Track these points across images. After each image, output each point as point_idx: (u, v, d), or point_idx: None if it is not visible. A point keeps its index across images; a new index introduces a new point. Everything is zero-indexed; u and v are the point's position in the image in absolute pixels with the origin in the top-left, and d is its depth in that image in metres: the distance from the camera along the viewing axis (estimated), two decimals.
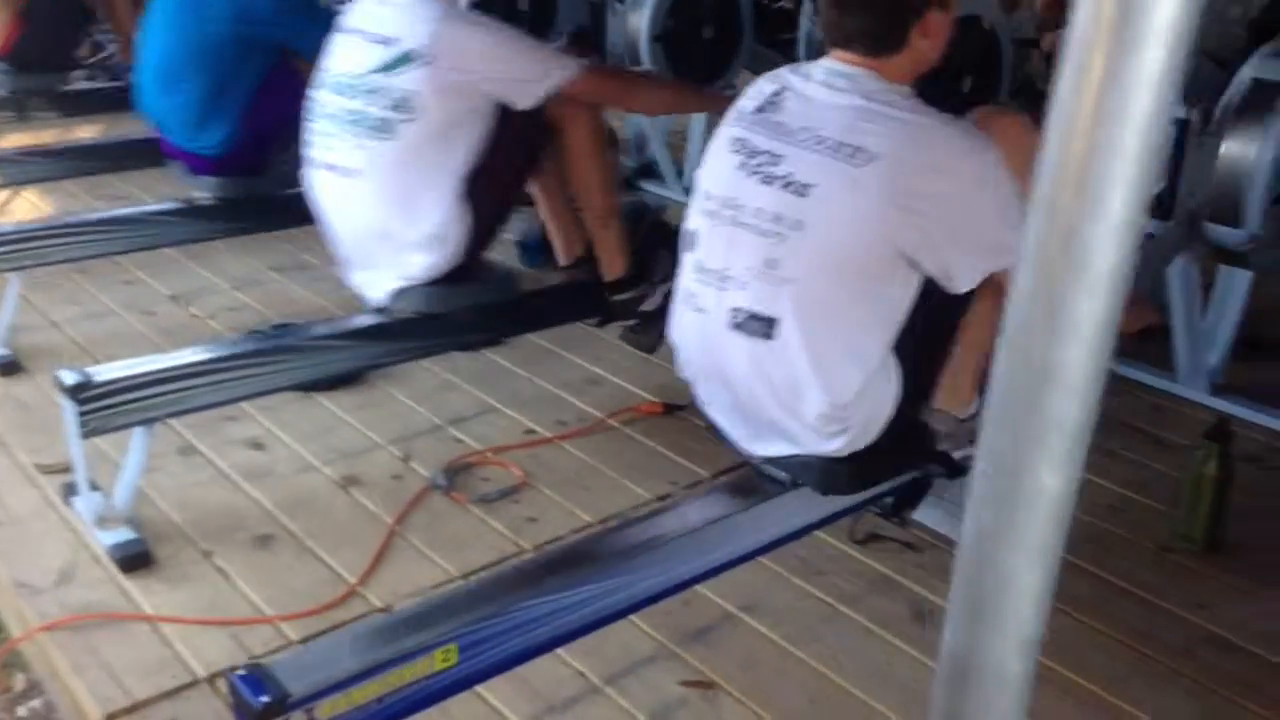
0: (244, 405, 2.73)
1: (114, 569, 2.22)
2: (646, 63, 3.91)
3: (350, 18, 2.53)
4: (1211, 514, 2.35)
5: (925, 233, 1.70)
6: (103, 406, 2.22)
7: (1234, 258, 2.69)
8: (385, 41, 2.41)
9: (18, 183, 4.31)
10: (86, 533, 2.32)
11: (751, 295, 1.77)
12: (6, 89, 5.13)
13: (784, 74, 1.86)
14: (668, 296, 2.82)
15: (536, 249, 3.70)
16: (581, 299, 2.83)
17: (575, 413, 2.89)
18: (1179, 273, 2.79)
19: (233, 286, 3.61)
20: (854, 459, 1.85)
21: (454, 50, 2.37)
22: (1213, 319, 2.95)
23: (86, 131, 5.03)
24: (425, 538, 2.35)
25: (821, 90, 1.78)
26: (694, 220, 1.90)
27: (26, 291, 3.20)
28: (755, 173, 1.78)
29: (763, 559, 2.12)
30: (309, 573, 2.24)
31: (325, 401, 2.88)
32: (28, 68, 5.01)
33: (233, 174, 3.25)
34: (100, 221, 3.34)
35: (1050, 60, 4.21)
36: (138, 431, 2.29)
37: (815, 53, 4.48)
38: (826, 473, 1.88)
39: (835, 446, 1.83)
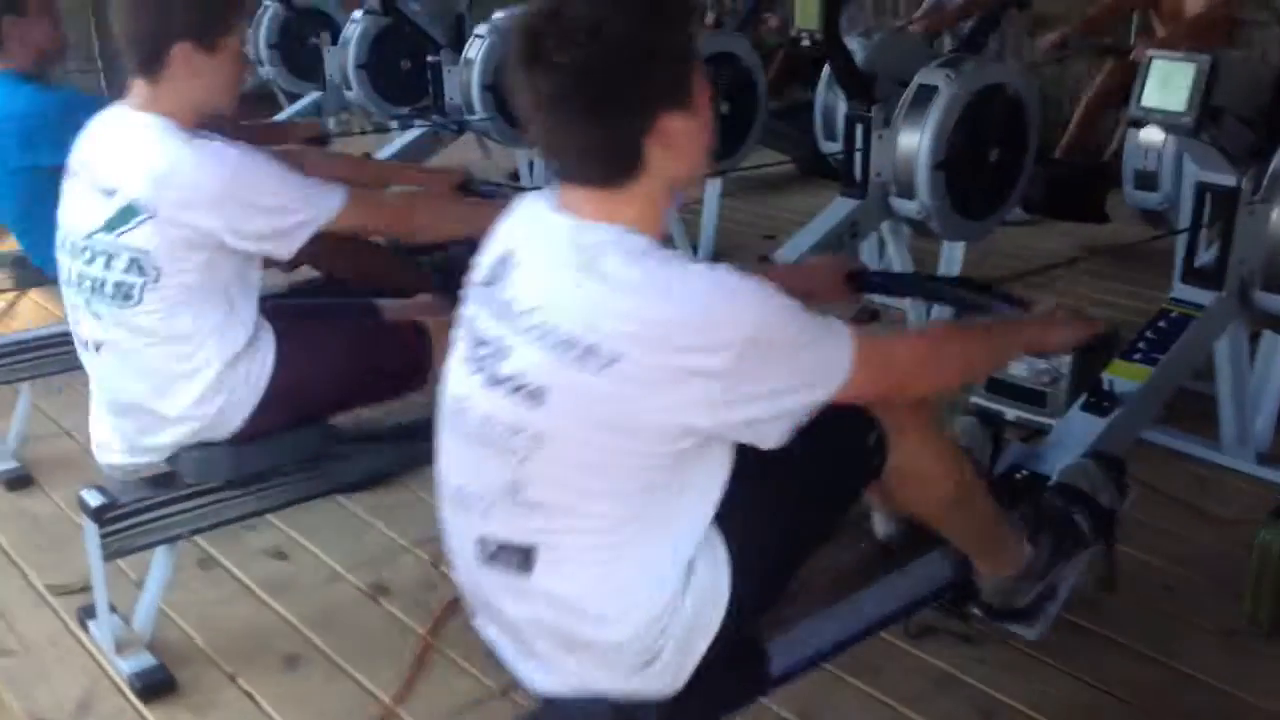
0: None
1: (134, 698, 2.12)
2: None
3: (78, 152, 2.12)
4: (1277, 596, 2.26)
5: (706, 419, 1.34)
6: (127, 527, 2.13)
7: None
8: (107, 191, 2.02)
9: (23, 286, 4.25)
10: (105, 659, 2.21)
11: (499, 523, 1.42)
12: None
13: (517, 224, 1.48)
14: None
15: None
16: None
17: None
18: (1228, 342, 2.73)
19: None
20: (675, 703, 1.46)
21: (183, 198, 1.96)
22: (1258, 386, 2.88)
23: None
24: (462, 649, 2.24)
25: (547, 252, 1.39)
26: (439, 424, 1.53)
27: (38, 399, 3.13)
28: (479, 370, 1.41)
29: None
30: (341, 694, 2.14)
31: (349, 504, 2.78)
32: None
33: None
34: None
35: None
36: (160, 550, 2.20)
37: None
38: None
39: (645, 685, 1.45)
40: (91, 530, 2.10)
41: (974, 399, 3.14)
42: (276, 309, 2.19)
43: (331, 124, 5.95)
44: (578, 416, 1.33)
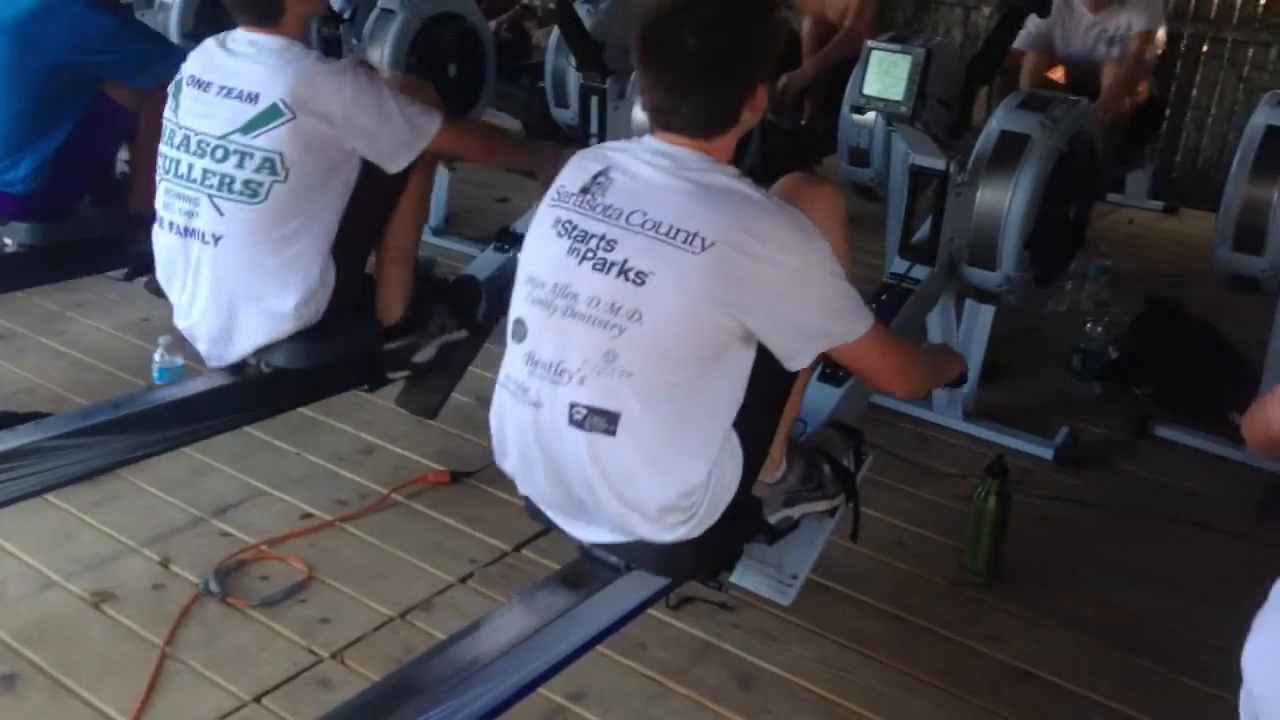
0: None
1: None
2: None
3: (199, 66, 2.33)
4: (993, 547, 2.47)
5: (758, 318, 1.66)
6: None
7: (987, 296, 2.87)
8: (245, 97, 2.24)
9: None
10: None
11: (591, 390, 1.66)
12: None
13: (607, 152, 1.76)
14: (442, 351, 2.71)
15: None
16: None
17: (354, 489, 2.68)
18: (939, 311, 2.94)
19: None
20: (695, 543, 1.78)
21: (318, 103, 2.22)
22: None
23: None
24: (204, 656, 2.09)
25: (650, 171, 1.68)
26: (521, 308, 1.76)
27: None
28: (587, 258, 1.67)
29: None
30: (67, 715, 1.94)
31: (57, 500, 2.51)
32: None
33: (37, 217, 3.00)
34: None
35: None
36: None
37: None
38: (667, 558, 1.80)
39: (677, 535, 1.76)
40: None
41: None
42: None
43: None
44: (674, 292, 1.60)
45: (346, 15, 3.95)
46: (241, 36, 2.31)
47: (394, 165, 2.34)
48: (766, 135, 4.20)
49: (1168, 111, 5.59)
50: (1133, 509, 2.80)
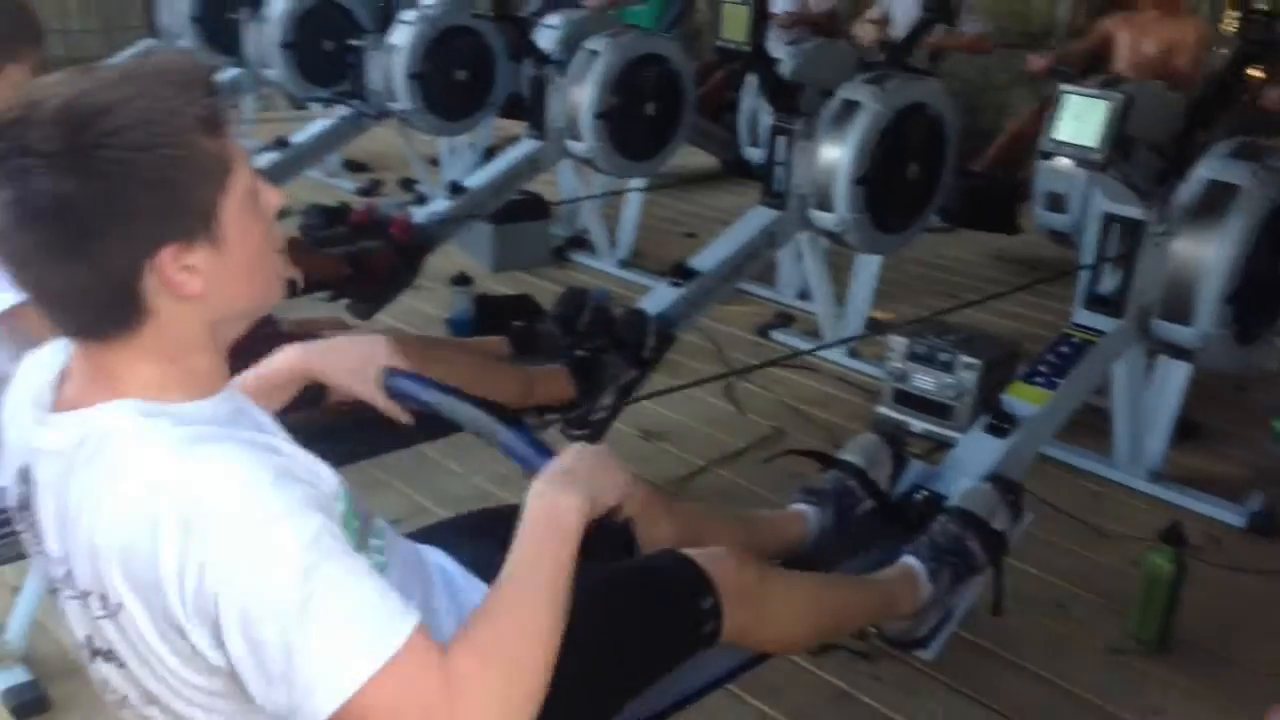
0: None
1: (7, 716, 2.05)
2: (589, 138, 3.88)
3: None
4: (1163, 615, 2.33)
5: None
6: None
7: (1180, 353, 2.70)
8: None
9: None
10: None
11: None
12: None
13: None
14: (619, 397, 2.75)
15: (464, 326, 3.63)
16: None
17: None
18: (1126, 365, 2.78)
19: None
20: None
21: None
22: (1152, 406, 2.95)
23: None
24: None
25: (54, 466, 1.05)
26: None
27: None
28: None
29: None
30: None
31: None
32: None
33: None
34: None
35: None
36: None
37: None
38: None
39: None
40: None
41: (881, 409, 3.20)
42: None
43: (250, 103, 5.85)
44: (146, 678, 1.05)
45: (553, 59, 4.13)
46: None
47: None
48: (965, 179, 4.13)
49: None
50: None
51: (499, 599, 1.10)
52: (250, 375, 1.44)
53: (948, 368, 3.08)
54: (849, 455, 2.18)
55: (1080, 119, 2.32)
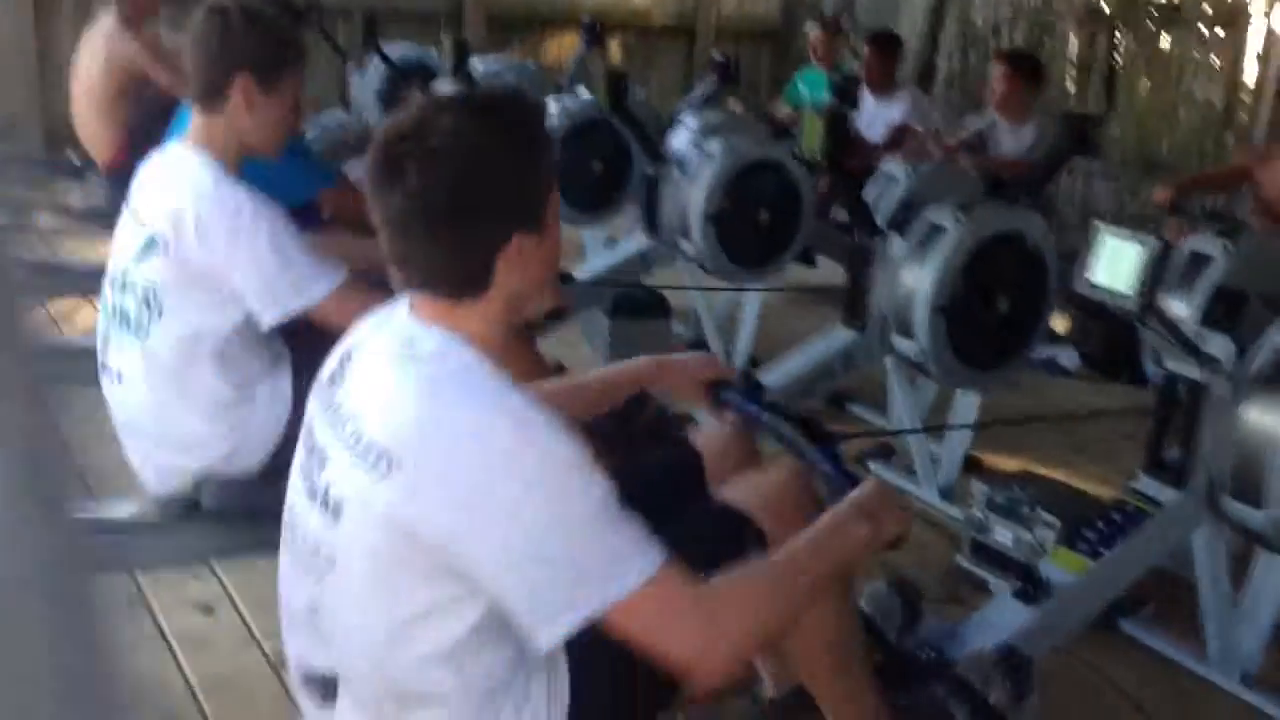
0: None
1: None
2: (697, 241, 3.87)
3: (135, 186, 2.23)
4: None
5: (473, 565, 1.26)
6: None
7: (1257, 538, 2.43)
8: (141, 223, 2.12)
9: (88, 293, 4.48)
10: None
11: (305, 647, 1.43)
12: (110, 201, 5.41)
13: (365, 329, 1.45)
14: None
15: None
16: None
17: None
18: (1205, 548, 2.50)
19: None
20: None
21: (195, 232, 2.03)
22: (1253, 600, 2.61)
23: None
24: None
25: (384, 359, 1.35)
26: None
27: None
28: (305, 479, 1.39)
29: None
30: None
31: None
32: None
33: None
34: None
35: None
36: None
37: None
38: None
39: None
40: None
41: (960, 560, 2.98)
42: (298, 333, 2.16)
43: None
44: (361, 533, 1.29)
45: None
46: (170, 147, 2.19)
47: (265, 318, 2.10)
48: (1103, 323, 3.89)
49: None
50: None
51: (772, 563, 1.42)
52: (595, 374, 1.90)
53: (1026, 523, 2.87)
54: (860, 602, 2.09)
55: (1116, 261, 2.16)
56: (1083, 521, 2.80)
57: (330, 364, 1.45)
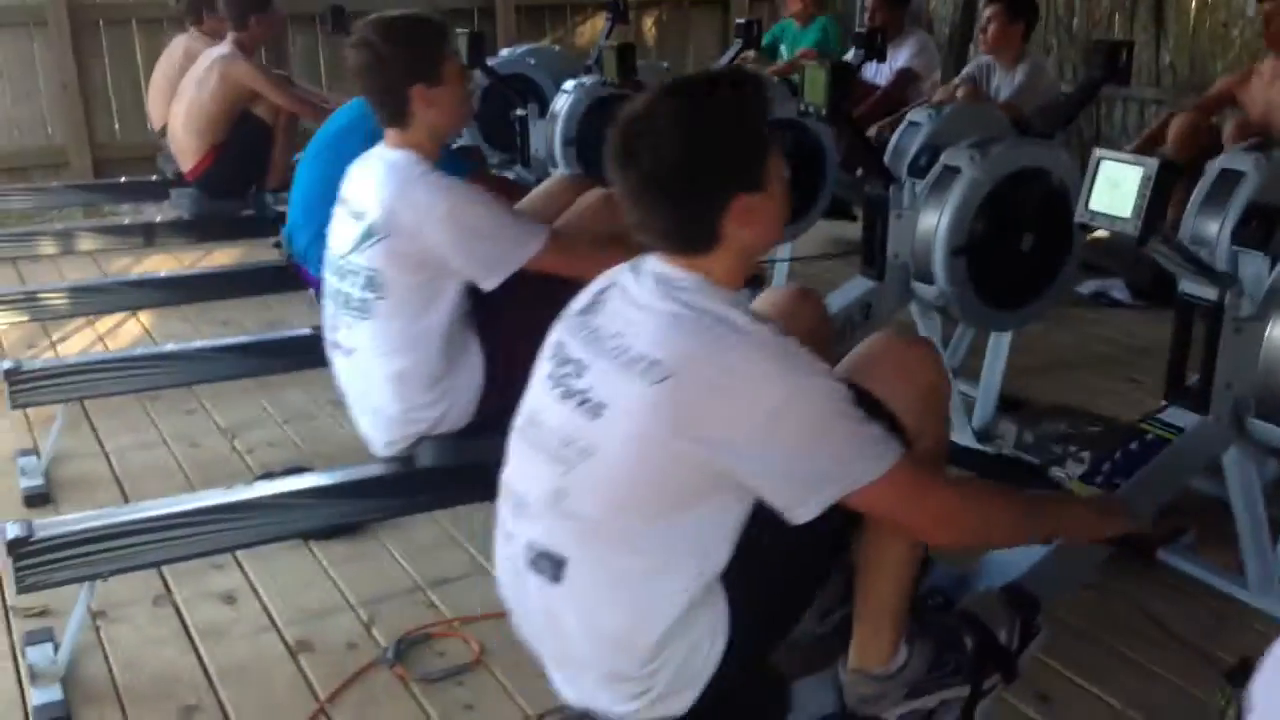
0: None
1: None
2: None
3: (345, 184, 2.54)
4: None
5: (737, 461, 1.48)
6: (43, 562, 2.23)
7: None
8: (357, 215, 2.41)
9: (133, 307, 4.58)
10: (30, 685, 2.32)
11: (543, 529, 1.58)
12: (190, 212, 5.54)
13: (618, 271, 1.69)
14: None
15: None
16: None
17: None
18: (1236, 473, 2.40)
19: (283, 420, 3.67)
20: None
21: (410, 221, 2.33)
22: None
23: (226, 256, 5.37)
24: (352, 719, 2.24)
25: (644, 293, 1.58)
26: (511, 434, 1.73)
27: (94, 417, 3.44)
28: (558, 385, 1.60)
29: None
30: None
31: (317, 551, 2.83)
32: (214, 193, 5.43)
33: None
34: (155, 357, 3.50)
35: None
36: (84, 588, 2.30)
37: None
38: None
39: (632, 709, 1.60)
40: (6, 562, 2.21)
41: None
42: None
43: None
44: (626, 427, 1.48)
45: None
46: (374, 150, 2.47)
47: (487, 282, 2.39)
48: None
49: None
50: None
51: (1019, 495, 1.83)
52: None
53: (1058, 460, 2.77)
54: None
55: (1115, 188, 2.05)
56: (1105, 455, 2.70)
57: (582, 299, 1.68)
